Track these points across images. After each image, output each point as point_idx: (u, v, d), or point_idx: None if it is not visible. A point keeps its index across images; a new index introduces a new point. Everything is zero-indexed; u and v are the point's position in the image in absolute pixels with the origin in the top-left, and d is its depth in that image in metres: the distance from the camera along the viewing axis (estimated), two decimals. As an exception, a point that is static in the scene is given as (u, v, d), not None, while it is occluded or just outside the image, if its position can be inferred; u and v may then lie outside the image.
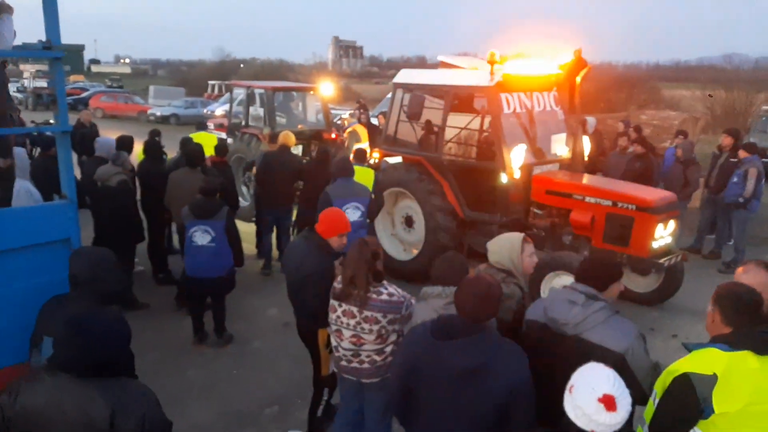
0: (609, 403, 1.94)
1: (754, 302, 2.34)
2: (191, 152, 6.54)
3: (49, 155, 7.11)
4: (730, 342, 2.27)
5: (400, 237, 7.70)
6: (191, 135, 9.38)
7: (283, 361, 5.30)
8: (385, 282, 3.33)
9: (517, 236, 3.32)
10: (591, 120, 10.70)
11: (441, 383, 2.40)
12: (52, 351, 2.57)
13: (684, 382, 2.23)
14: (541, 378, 2.44)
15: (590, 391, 1.98)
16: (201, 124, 10.98)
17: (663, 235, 6.15)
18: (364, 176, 6.62)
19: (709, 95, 21.50)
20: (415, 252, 7.35)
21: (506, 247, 3.27)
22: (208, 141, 9.16)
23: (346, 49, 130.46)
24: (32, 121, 12.71)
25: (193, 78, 46.93)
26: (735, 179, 7.88)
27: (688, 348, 2.39)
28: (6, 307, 3.03)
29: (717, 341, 2.32)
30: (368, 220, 6.52)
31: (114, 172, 6.17)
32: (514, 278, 3.21)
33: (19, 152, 5.10)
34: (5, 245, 3.03)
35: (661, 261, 6.04)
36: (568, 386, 2.09)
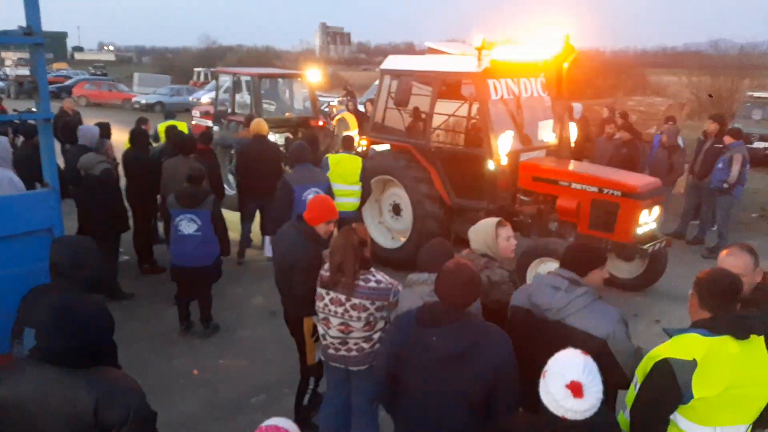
0: (576, 389, 1.97)
1: (730, 286, 2.36)
2: (184, 140, 6.51)
3: (33, 144, 7.01)
4: (709, 327, 2.29)
5: (388, 224, 7.70)
6: (160, 125, 9.39)
7: (270, 350, 5.31)
8: (372, 269, 3.34)
9: (491, 221, 3.38)
10: (577, 106, 10.72)
11: (428, 369, 2.42)
12: (34, 342, 2.56)
13: (664, 367, 2.26)
14: (525, 363, 2.46)
15: (560, 377, 2.01)
16: (169, 113, 10.86)
17: (647, 221, 6.18)
18: (351, 164, 6.60)
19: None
20: (403, 240, 7.36)
21: (482, 233, 3.35)
22: (180, 128, 9.22)
23: (334, 35, 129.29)
24: (14, 110, 12.50)
25: (178, 65, 46.42)
26: (720, 165, 7.93)
27: (669, 333, 2.42)
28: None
29: (697, 326, 2.35)
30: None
31: (97, 161, 6.10)
32: (495, 262, 3.26)
33: (1, 141, 5.03)
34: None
35: (645, 247, 6.08)
36: (543, 371, 2.12)
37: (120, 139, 7.13)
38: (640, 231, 6.09)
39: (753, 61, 24.23)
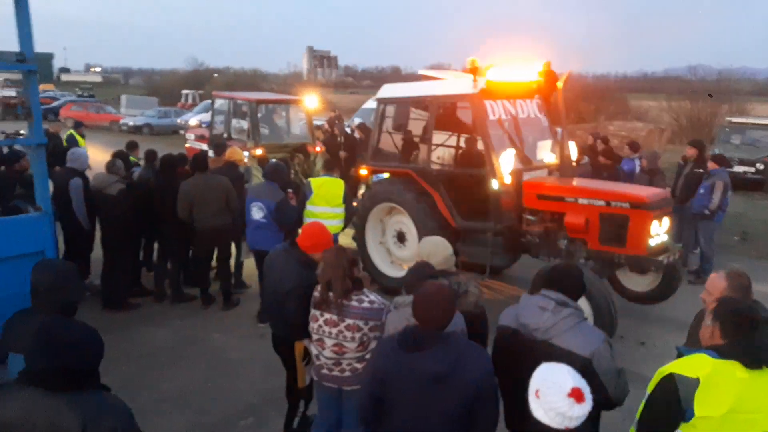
0: (578, 395, 2.03)
1: (754, 319, 2.38)
2: (198, 158, 6.73)
3: (14, 170, 7.02)
4: (720, 350, 2.33)
5: (389, 247, 7.57)
6: (68, 132, 10.15)
7: (258, 372, 5.29)
8: (365, 289, 3.39)
9: (440, 238, 3.63)
10: (559, 131, 10.92)
11: (411, 392, 2.48)
12: (18, 366, 2.56)
13: (668, 382, 2.31)
14: (513, 382, 2.52)
15: (558, 390, 2.06)
16: (77, 122, 11.30)
17: (659, 232, 6.02)
18: (334, 186, 6.62)
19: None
20: (405, 267, 7.28)
21: (441, 247, 3.49)
22: (81, 141, 10.00)
23: (321, 59, 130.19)
24: (2, 132, 12.45)
25: (166, 87, 46.51)
26: (702, 191, 8.04)
27: (681, 352, 2.47)
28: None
29: (709, 349, 2.39)
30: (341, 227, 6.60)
31: (112, 181, 6.40)
32: (455, 275, 3.42)
33: None
34: (-22, 258, 3.00)
35: (660, 258, 5.91)
36: (532, 392, 2.16)
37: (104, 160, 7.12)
38: (652, 243, 5.91)
39: (731, 87, 24.85)
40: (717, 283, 2.98)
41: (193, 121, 22.43)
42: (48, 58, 68.82)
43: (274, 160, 7.68)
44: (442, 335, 2.50)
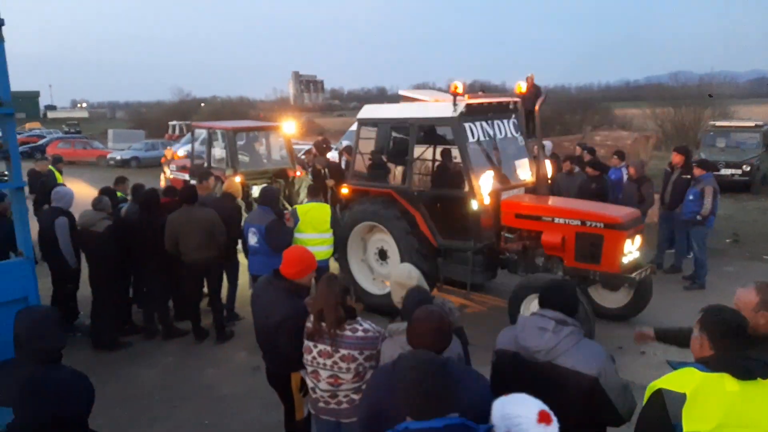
0: (546, 417, 1.99)
1: (740, 327, 2.34)
2: (186, 191, 6.70)
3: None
4: (709, 363, 2.27)
5: (371, 264, 7.70)
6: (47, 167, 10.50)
7: (255, 407, 5.17)
8: (359, 318, 3.32)
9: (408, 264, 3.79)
10: (547, 144, 10.99)
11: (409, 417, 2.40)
12: (5, 419, 2.47)
13: (657, 398, 2.26)
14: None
15: (528, 422, 2.00)
16: (56, 158, 12.07)
17: (631, 250, 6.32)
18: (320, 212, 6.62)
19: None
20: (387, 284, 7.33)
21: (416, 270, 3.55)
22: (59, 176, 10.40)
23: (307, 83, 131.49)
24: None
25: (152, 119, 46.56)
26: (691, 197, 8.06)
27: (672, 366, 2.41)
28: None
29: (699, 362, 2.34)
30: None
31: (99, 218, 6.36)
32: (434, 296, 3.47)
33: None
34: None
35: (633, 275, 6.19)
36: (496, 428, 2.10)
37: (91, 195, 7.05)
38: (625, 260, 6.21)
39: (713, 91, 25.20)
40: (747, 297, 2.83)
41: (181, 152, 22.39)
42: (34, 96, 68.98)
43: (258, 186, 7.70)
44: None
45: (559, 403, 2.58)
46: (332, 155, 13.29)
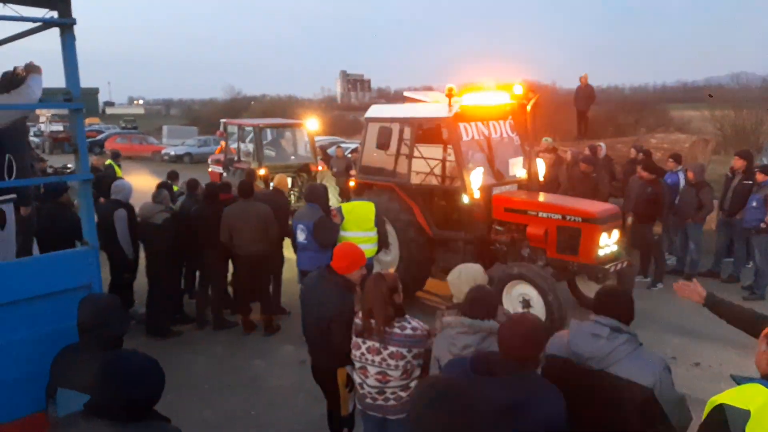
0: None
1: None
2: (242, 185, 6.93)
3: (59, 202, 7.22)
4: None
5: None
6: (107, 162, 11.03)
7: (301, 400, 5.26)
8: (407, 316, 3.34)
9: (478, 268, 3.49)
10: (602, 145, 10.72)
11: (480, 418, 2.37)
12: (67, 402, 2.59)
13: (718, 413, 2.16)
14: (567, 416, 2.40)
15: None
16: (115, 153, 12.55)
17: (608, 243, 6.70)
18: (364, 210, 6.63)
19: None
20: (392, 271, 7.42)
21: (481, 276, 3.41)
22: (119, 170, 10.79)
23: (354, 82, 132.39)
24: (50, 166, 12.94)
25: (205, 116, 47.85)
26: (754, 203, 7.76)
27: (737, 381, 2.32)
28: (30, 353, 3.06)
29: (766, 378, 2.24)
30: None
31: (157, 210, 6.64)
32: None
33: None
34: (30, 293, 3.09)
35: (607, 267, 6.55)
36: None
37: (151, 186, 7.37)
38: (601, 252, 6.60)
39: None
40: None
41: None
42: (94, 92, 71.70)
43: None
44: (518, 366, 2.39)
45: (611, 414, 2.52)
46: None
